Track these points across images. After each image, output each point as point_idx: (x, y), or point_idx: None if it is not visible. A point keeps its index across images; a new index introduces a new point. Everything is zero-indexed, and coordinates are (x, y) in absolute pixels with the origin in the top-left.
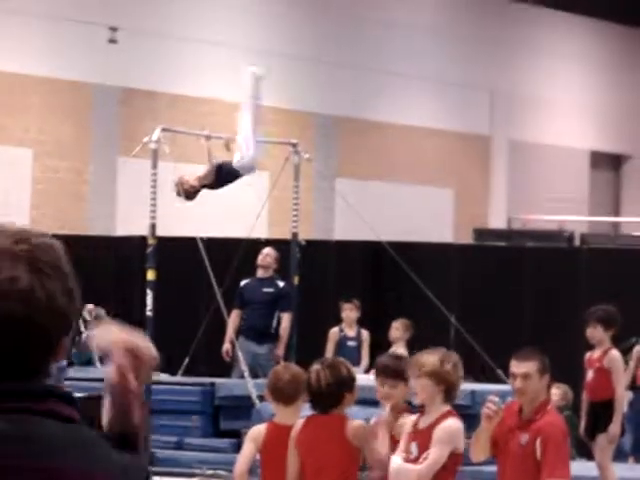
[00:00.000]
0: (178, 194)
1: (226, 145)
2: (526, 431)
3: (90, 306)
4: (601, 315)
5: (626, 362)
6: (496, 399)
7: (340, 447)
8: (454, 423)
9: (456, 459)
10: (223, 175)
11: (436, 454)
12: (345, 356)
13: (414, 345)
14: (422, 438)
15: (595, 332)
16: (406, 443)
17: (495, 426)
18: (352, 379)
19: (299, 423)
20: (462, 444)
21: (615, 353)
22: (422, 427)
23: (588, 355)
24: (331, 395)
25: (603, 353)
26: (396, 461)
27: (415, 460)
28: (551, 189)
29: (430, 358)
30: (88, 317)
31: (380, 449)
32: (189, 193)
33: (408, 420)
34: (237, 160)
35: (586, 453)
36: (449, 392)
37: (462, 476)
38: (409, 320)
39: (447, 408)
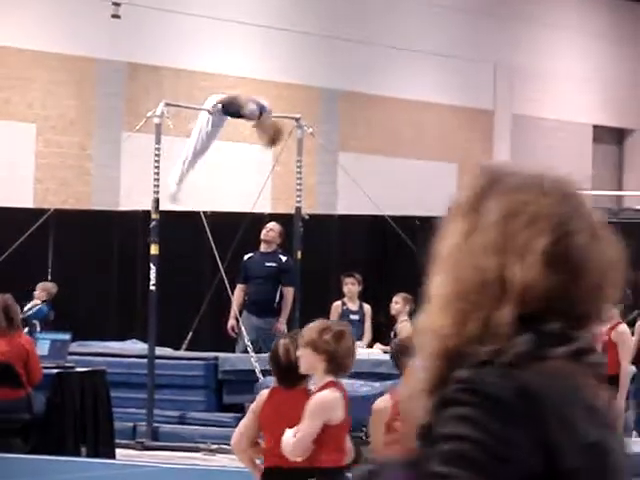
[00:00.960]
0: None
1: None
2: None
3: (47, 284)
4: None
5: None
6: None
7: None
8: (328, 394)
9: (332, 431)
10: (230, 112)
11: (305, 427)
12: None
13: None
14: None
15: None
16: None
17: None
18: None
19: (263, 394)
20: (339, 415)
21: (623, 327)
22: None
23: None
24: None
25: (611, 327)
26: (288, 432)
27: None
28: (554, 163)
29: (310, 328)
30: (40, 293)
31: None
32: None
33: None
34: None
35: None
36: (331, 362)
37: None
38: (410, 294)
39: (329, 379)
